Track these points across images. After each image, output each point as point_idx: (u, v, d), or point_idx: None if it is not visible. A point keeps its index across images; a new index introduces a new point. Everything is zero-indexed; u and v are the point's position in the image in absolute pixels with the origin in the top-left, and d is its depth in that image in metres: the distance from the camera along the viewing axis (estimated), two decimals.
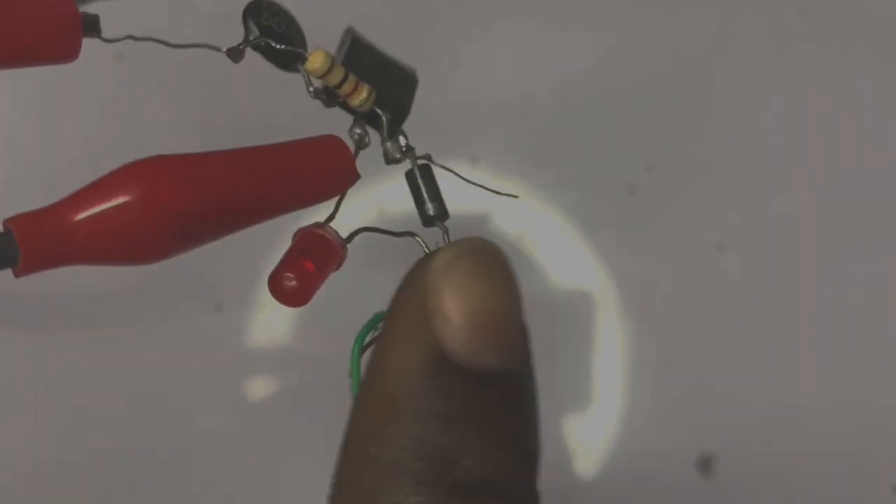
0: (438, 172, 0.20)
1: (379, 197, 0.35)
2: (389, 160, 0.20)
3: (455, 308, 0.15)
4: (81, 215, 0.15)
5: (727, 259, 0.36)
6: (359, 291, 0.34)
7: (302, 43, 0.19)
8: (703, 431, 0.35)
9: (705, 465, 0.34)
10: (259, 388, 0.36)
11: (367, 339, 0.17)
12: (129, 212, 0.15)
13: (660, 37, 0.38)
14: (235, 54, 0.19)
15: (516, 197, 0.22)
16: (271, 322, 0.35)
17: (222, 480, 0.35)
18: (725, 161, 0.37)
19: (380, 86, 0.19)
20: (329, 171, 0.19)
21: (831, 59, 0.37)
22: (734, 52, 0.38)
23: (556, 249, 0.36)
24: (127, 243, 0.16)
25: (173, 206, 0.16)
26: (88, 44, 0.18)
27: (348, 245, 0.19)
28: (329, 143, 0.19)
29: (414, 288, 0.16)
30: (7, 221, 0.15)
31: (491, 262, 0.16)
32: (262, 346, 0.35)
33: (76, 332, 0.35)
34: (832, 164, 0.36)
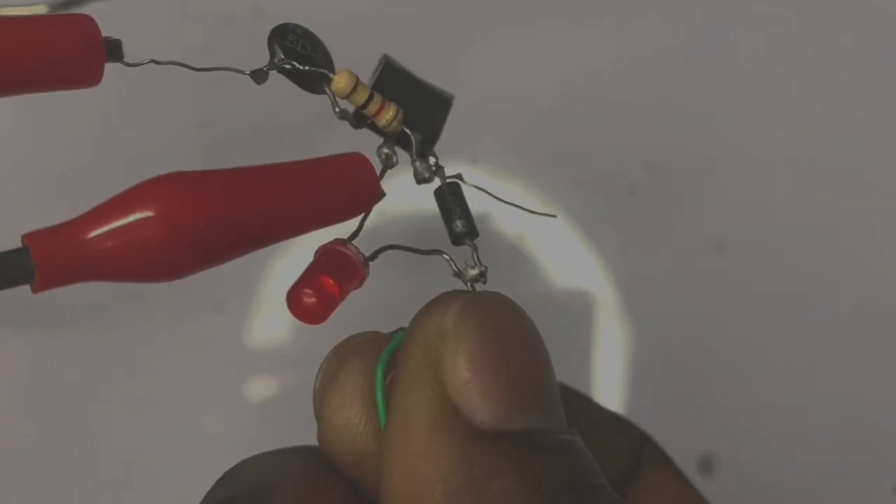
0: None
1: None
2: (420, 180, 0.20)
3: (457, 365, 0.15)
4: (97, 232, 0.15)
5: (727, 259, 0.36)
6: (354, 292, 0.34)
7: (328, 65, 0.19)
8: (703, 431, 0.35)
9: (705, 465, 0.34)
10: (259, 388, 0.36)
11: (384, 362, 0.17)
12: (145, 229, 0.15)
13: (660, 37, 0.38)
14: (259, 76, 0.19)
15: (554, 216, 0.22)
16: (271, 322, 0.35)
17: None
18: (725, 161, 0.37)
19: (411, 108, 0.19)
20: (352, 190, 0.18)
21: (832, 58, 0.37)
22: (735, 52, 0.38)
23: (556, 249, 0.36)
24: (144, 261, 0.15)
25: (190, 223, 0.16)
26: None
27: (371, 262, 0.19)
28: (353, 161, 0.19)
29: (423, 345, 0.16)
30: (24, 237, 0.15)
31: (493, 319, 0.16)
32: (262, 346, 0.35)
33: (76, 333, 0.35)
34: (833, 163, 0.36)
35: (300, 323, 0.39)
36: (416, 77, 0.20)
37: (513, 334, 0.16)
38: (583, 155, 0.37)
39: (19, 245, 0.15)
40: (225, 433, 0.35)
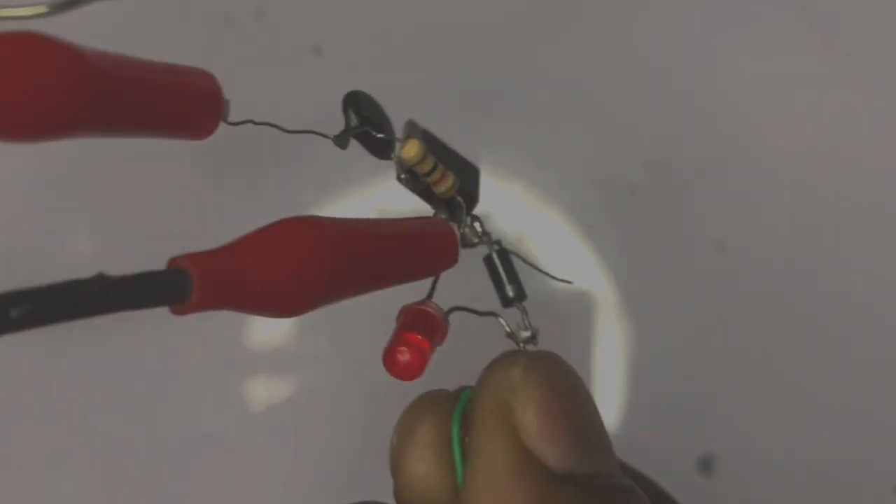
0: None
1: (374, 200, 0.35)
2: (466, 244, 0.21)
3: (527, 416, 0.17)
4: (251, 264, 0.15)
5: (727, 259, 0.36)
6: None
7: (391, 132, 0.20)
8: (703, 431, 0.35)
9: (705, 465, 0.34)
10: (259, 388, 0.36)
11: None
12: (294, 267, 0.16)
13: (660, 37, 0.38)
14: (342, 141, 0.19)
15: (570, 282, 0.23)
16: (271, 322, 0.35)
17: (222, 481, 0.35)
18: (725, 161, 0.37)
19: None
20: (440, 252, 0.19)
21: (831, 59, 0.37)
22: (735, 53, 0.38)
23: (556, 249, 0.36)
24: (283, 297, 0.16)
25: (330, 266, 0.16)
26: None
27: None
28: (442, 227, 0.20)
29: (495, 397, 0.18)
30: (179, 259, 0.15)
31: (554, 377, 0.18)
32: (262, 346, 0.35)
33: (76, 333, 0.35)
34: (832, 164, 0.37)
35: (300, 323, 0.39)
36: (448, 146, 0.21)
37: (570, 389, 0.18)
38: (583, 155, 0.37)
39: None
40: (225, 433, 0.35)
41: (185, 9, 0.37)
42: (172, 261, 0.14)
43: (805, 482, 0.34)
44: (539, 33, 0.38)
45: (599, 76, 0.37)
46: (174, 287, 0.14)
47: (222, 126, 0.19)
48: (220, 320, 0.36)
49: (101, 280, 0.13)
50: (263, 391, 0.36)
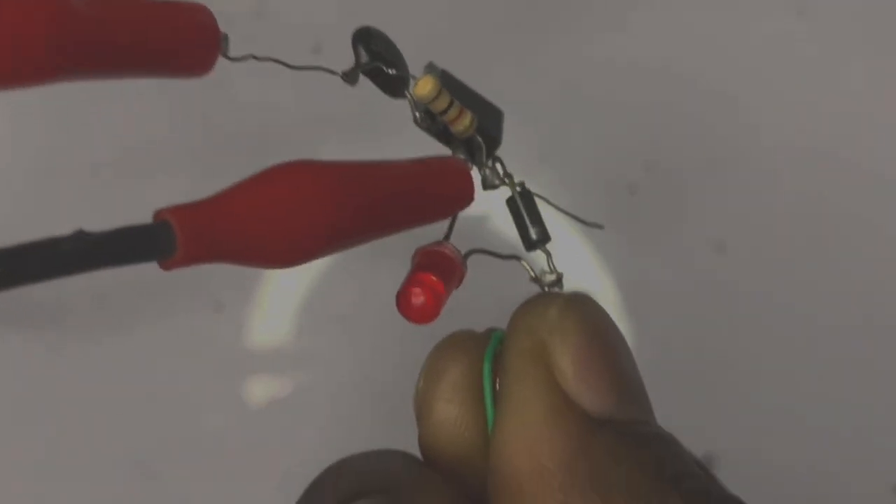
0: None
1: None
2: (487, 186, 0.20)
3: (565, 358, 0.16)
4: (240, 212, 0.15)
5: (727, 259, 0.36)
6: (354, 292, 0.34)
7: (405, 69, 0.19)
8: (703, 431, 0.35)
9: (705, 465, 0.34)
10: (259, 388, 0.36)
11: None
12: (288, 212, 0.15)
13: (661, 37, 0.38)
14: (351, 78, 0.19)
15: (601, 227, 0.23)
16: (271, 322, 0.35)
17: (222, 480, 0.35)
18: (725, 161, 0.37)
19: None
20: (452, 192, 0.19)
21: (832, 60, 0.37)
22: (734, 52, 0.38)
23: (556, 249, 0.36)
24: (279, 246, 0.15)
25: (327, 210, 0.15)
26: None
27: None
28: (454, 165, 0.19)
29: (530, 337, 0.17)
30: (162, 212, 0.14)
31: (592, 319, 0.17)
32: (262, 346, 0.35)
33: (76, 333, 0.36)
34: (833, 163, 0.36)
35: (300, 323, 0.39)
36: (470, 87, 0.21)
37: (607, 331, 0.17)
38: (583, 155, 0.37)
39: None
40: (225, 433, 0.35)
41: None
42: (157, 214, 0.14)
43: (805, 482, 0.34)
44: (539, 32, 0.38)
45: (599, 76, 0.37)
46: (156, 240, 0.13)
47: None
48: (219, 319, 0.36)
49: (80, 236, 0.13)
50: (263, 391, 0.36)
